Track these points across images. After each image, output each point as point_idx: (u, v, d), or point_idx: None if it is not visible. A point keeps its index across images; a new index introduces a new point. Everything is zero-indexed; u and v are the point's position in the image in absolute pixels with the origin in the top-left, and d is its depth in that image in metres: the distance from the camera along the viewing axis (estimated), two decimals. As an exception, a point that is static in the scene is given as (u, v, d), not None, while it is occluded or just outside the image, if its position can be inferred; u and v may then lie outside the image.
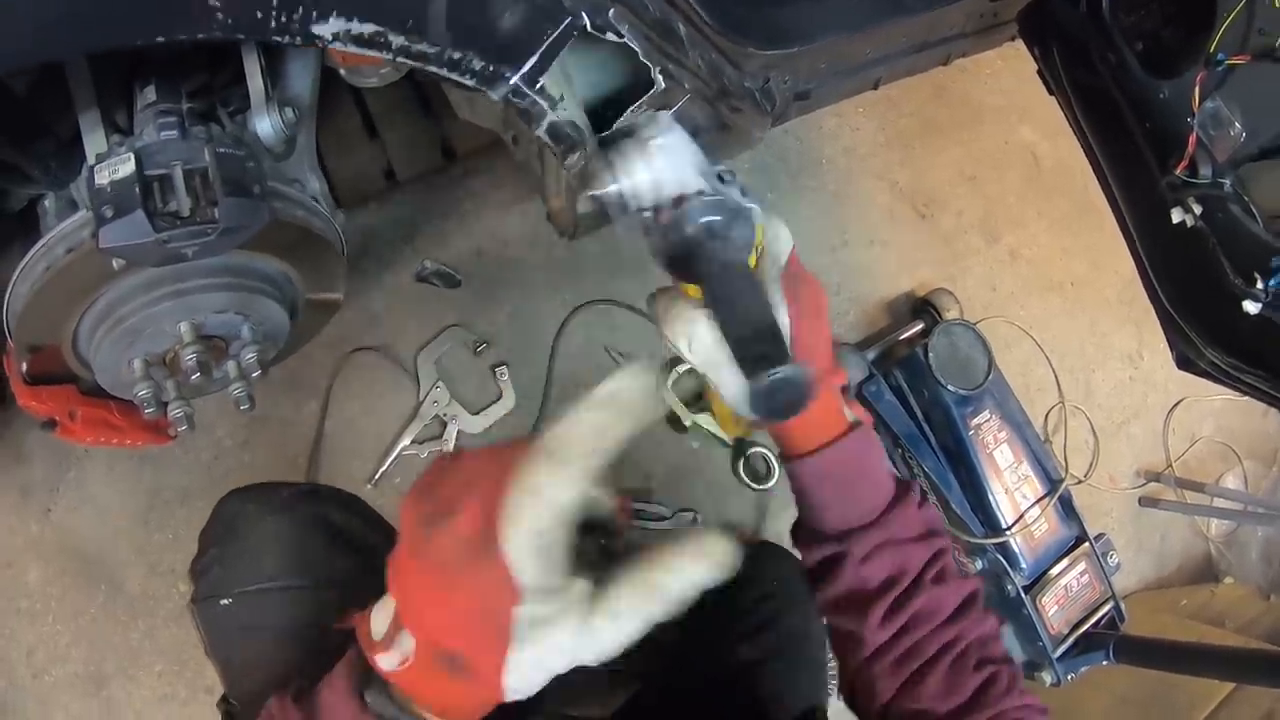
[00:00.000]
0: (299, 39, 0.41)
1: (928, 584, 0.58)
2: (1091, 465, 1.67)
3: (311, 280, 0.92)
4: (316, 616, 0.68)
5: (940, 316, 1.55)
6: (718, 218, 0.46)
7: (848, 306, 1.62)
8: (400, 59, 0.47)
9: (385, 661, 0.40)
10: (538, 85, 0.54)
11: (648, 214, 0.47)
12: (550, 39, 0.52)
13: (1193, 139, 0.85)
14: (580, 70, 0.68)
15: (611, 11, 0.54)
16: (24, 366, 0.83)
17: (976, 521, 1.36)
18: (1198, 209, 0.94)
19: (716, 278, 0.46)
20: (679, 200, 0.46)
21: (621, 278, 1.45)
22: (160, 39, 0.38)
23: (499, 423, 1.35)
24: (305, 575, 0.71)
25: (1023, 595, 1.30)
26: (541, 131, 0.61)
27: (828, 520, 0.59)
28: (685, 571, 0.36)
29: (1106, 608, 1.35)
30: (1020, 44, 1.17)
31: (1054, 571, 1.34)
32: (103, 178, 0.68)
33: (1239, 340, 0.91)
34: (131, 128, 0.76)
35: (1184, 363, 1.12)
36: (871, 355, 1.51)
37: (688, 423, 0.67)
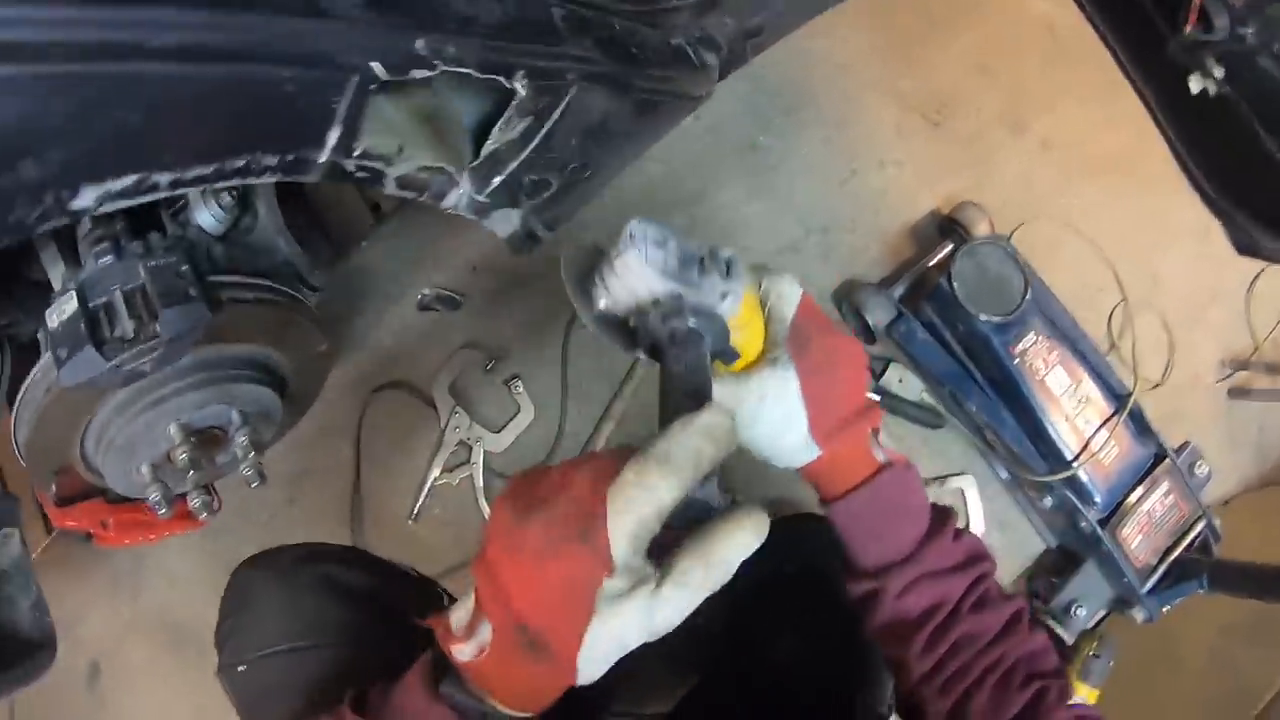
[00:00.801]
0: (67, 220, 0.39)
1: (967, 612, 0.61)
2: (1169, 365, 1.49)
3: (291, 346, 0.93)
4: (326, 671, 0.73)
5: (969, 233, 1.42)
6: (680, 325, 0.50)
7: (866, 242, 1.51)
8: (180, 190, 0.44)
9: (462, 653, 0.44)
10: (356, 153, 0.49)
11: (634, 319, 0.52)
12: (343, 106, 0.47)
13: (1199, -15, 0.72)
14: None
15: (419, 42, 0.47)
16: (53, 489, 0.89)
17: (1038, 457, 1.24)
18: (1218, 72, 0.80)
19: (668, 381, 0.50)
20: (655, 304, 0.51)
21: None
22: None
23: (523, 435, 1.35)
24: (308, 636, 0.75)
25: (1099, 531, 1.18)
26: (392, 191, 0.56)
27: (864, 558, 0.64)
28: (735, 541, 0.41)
29: (1199, 527, 1.22)
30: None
31: (1132, 499, 1.21)
32: (53, 320, 0.71)
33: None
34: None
35: (1244, 248, 0.99)
36: (899, 291, 1.40)
37: None
